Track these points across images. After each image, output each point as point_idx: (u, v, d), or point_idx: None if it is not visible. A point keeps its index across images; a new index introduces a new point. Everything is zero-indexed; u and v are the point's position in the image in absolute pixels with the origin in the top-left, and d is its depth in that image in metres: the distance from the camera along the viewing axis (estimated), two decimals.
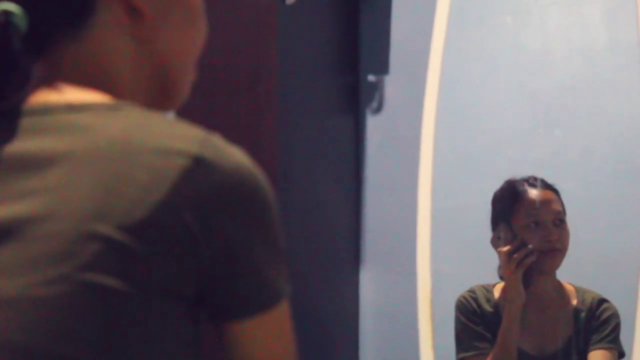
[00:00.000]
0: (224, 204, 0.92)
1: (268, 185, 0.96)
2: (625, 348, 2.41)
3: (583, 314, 2.34)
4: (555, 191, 2.39)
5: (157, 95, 1.04)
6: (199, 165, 0.91)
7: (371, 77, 3.05)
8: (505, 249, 2.31)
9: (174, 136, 0.93)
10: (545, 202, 2.34)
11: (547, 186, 2.38)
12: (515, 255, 2.29)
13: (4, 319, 0.88)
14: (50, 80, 0.98)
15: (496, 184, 2.47)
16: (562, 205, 2.38)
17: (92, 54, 0.99)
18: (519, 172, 2.44)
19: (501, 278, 2.41)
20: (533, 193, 2.36)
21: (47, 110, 0.95)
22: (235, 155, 0.94)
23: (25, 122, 0.96)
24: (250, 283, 0.94)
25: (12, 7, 0.94)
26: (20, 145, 0.94)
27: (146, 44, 1.02)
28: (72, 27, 0.98)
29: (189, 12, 1.05)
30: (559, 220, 2.34)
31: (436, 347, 2.91)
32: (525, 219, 2.33)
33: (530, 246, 2.30)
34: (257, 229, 0.94)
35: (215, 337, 0.96)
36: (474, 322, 2.34)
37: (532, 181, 2.38)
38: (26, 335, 0.87)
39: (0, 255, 0.89)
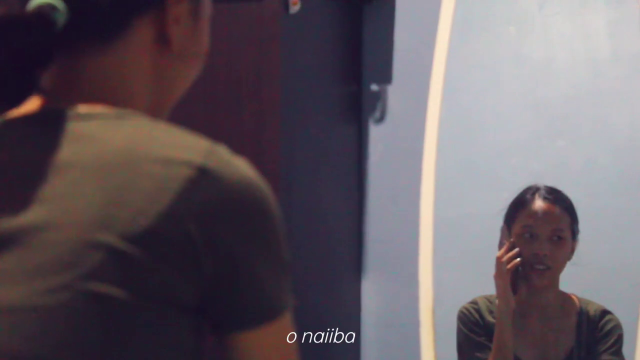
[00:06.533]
0: (227, 215, 0.92)
1: (272, 197, 0.96)
2: (628, 359, 2.40)
3: (586, 325, 2.33)
4: (565, 207, 2.33)
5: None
6: (203, 176, 0.91)
7: (374, 87, 3.05)
8: (499, 253, 2.30)
9: (178, 146, 0.93)
10: (543, 216, 2.31)
11: (554, 200, 2.33)
12: (502, 259, 2.28)
13: (6, 327, 0.88)
14: (64, 87, 0.98)
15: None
16: (571, 222, 2.33)
17: (112, 69, 0.99)
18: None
19: None
20: (535, 204, 2.33)
21: (56, 117, 0.95)
22: (240, 167, 0.94)
23: (34, 128, 0.96)
24: (252, 295, 0.94)
25: (57, 3, 0.94)
26: (28, 151, 0.94)
27: (164, 72, 1.03)
28: (102, 39, 0.99)
29: (200, 55, 1.06)
30: (556, 237, 2.30)
31: (438, 357, 2.91)
32: (521, 229, 2.32)
33: (517, 249, 2.29)
34: (260, 241, 0.94)
35: (217, 348, 0.96)
36: (476, 333, 2.33)
37: (542, 192, 2.35)
38: (28, 344, 0.87)
39: (4, 263, 0.89)
